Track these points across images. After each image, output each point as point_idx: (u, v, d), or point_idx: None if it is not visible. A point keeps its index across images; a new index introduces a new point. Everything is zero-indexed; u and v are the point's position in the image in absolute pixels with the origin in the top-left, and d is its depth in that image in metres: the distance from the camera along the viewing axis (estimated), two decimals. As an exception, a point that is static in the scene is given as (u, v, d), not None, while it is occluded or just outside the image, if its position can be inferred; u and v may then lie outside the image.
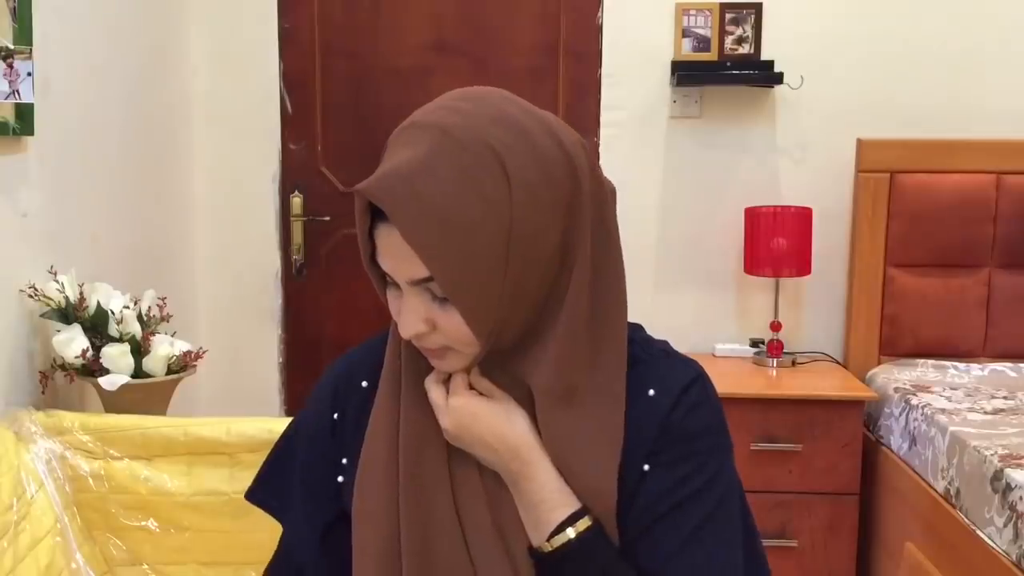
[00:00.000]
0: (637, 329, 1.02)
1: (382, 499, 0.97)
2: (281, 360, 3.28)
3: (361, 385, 1.04)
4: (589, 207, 0.91)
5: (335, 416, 1.04)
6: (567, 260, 0.91)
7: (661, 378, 0.98)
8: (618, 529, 0.94)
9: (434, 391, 0.96)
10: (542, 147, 0.88)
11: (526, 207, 0.86)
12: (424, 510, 0.95)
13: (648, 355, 1.00)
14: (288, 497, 1.06)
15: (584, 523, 0.93)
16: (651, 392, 0.97)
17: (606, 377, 0.95)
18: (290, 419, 1.14)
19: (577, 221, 0.90)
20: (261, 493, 1.11)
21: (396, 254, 0.88)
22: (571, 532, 0.92)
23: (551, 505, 0.93)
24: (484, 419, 0.94)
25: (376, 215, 0.89)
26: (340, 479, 1.02)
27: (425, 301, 0.90)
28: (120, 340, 2.06)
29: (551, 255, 0.90)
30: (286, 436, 1.10)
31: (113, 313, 2.07)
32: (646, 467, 0.95)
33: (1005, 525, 2.01)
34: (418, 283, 0.89)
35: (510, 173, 0.85)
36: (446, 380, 0.97)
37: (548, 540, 0.93)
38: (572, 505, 0.93)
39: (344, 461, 1.02)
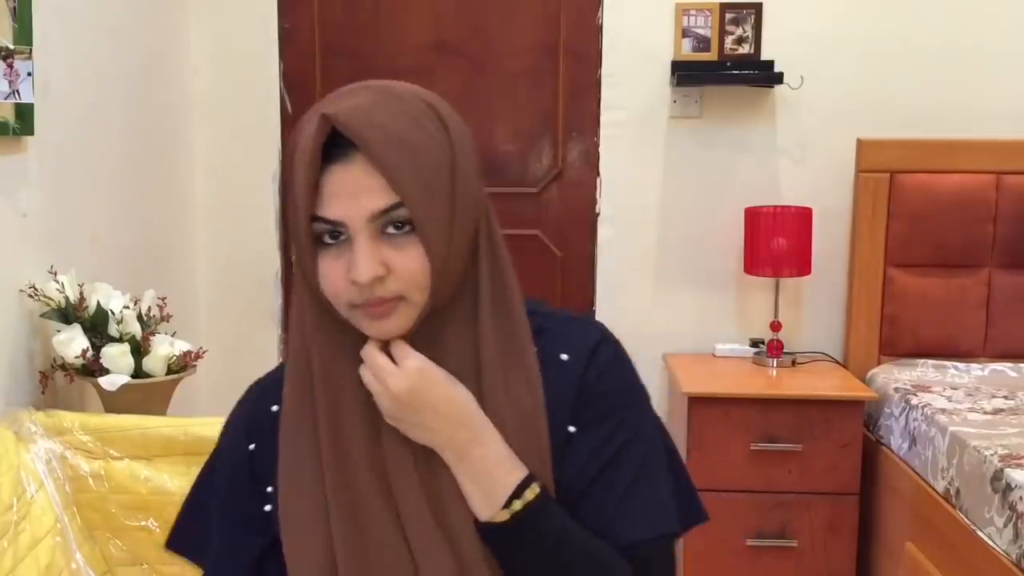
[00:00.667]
0: (539, 303, 1.04)
1: (310, 511, 0.95)
2: (281, 360, 3.27)
3: (271, 410, 1.02)
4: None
5: (251, 447, 1.03)
6: (480, 226, 0.95)
7: (569, 342, 1.01)
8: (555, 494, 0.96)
9: (379, 357, 0.93)
10: (456, 113, 0.96)
11: (461, 149, 0.93)
12: (357, 509, 0.94)
13: (553, 323, 1.02)
14: (207, 541, 1.04)
15: (534, 488, 0.93)
16: (563, 356, 0.99)
17: (518, 348, 0.97)
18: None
19: (484, 192, 0.96)
20: (179, 541, 1.09)
21: (353, 191, 0.89)
22: (529, 495, 0.93)
23: (505, 470, 0.93)
24: (438, 383, 0.93)
25: (328, 159, 0.89)
26: (267, 508, 1.00)
27: (378, 244, 0.90)
28: (120, 340, 2.06)
29: (477, 207, 0.95)
30: (200, 480, 1.09)
31: (113, 313, 2.07)
32: (572, 429, 0.98)
33: (1005, 525, 2.01)
34: (378, 216, 0.89)
35: (444, 118, 0.93)
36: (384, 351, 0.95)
37: (506, 507, 0.92)
38: (523, 470, 0.94)
39: (269, 490, 1.00)
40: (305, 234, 0.91)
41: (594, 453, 0.97)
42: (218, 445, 1.08)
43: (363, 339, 0.95)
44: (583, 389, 0.98)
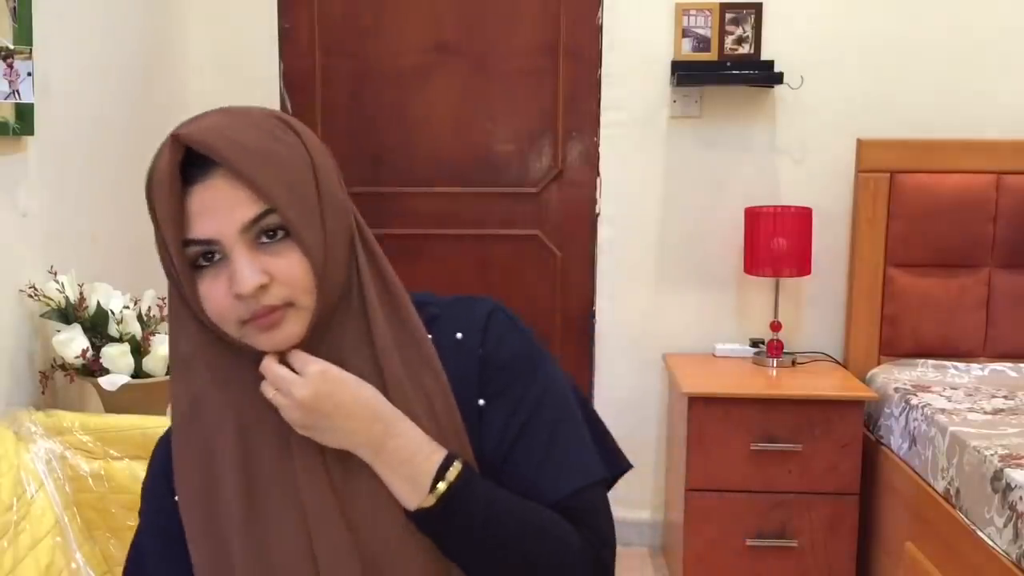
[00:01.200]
0: (427, 294, 1.05)
1: (213, 541, 0.95)
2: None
3: None
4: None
5: (176, 498, 0.99)
6: (352, 229, 0.96)
7: (460, 321, 1.02)
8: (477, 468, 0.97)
9: (279, 368, 0.92)
10: (303, 125, 0.96)
11: (318, 154, 0.93)
12: (267, 533, 0.93)
13: (442, 308, 1.04)
14: None
15: (456, 466, 0.94)
16: (458, 336, 1.01)
17: (412, 337, 0.98)
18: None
19: (347, 195, 0.97)
20: None
21: (222, 205, 0.88)
22: (451, 474, 0.93)
23: (425, 454, 0.93)
24: (343, 383, 0.92)
25: (186, 182, 0.89)
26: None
27: (255, 254, 0.89)
28: (120, 340, 2.06)
29: (345, 208, 0.95)
30: (132, 558, 1.07)
31: (113, 313, 2.07)
32: (481, 402, 0.99)
33: (1005, 525, 2.01)
34: (250, 226, 0.88)
35: (297, 130, 0.94)
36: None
37: (432, 493, 0.92)
38: (442, 451, 0.94)
39: None
40: (179, 261, 0.90)
41: (507, 421, 0.98)
42: (142, 512, 1.06)
43: (257, 359, 0.94)
44: (484, 361, 1.00)
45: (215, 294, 0.90)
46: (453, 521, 0.93)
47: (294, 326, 0.92)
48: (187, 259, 0.90)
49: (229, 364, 0.95)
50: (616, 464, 1.05)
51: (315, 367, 0.92)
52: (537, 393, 1.00)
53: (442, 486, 0.92)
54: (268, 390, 0.93)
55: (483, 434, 0.98)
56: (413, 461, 0.93)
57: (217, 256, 0.90)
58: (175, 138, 0.89)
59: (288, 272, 0.90)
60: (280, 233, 0.90)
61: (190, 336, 0.95)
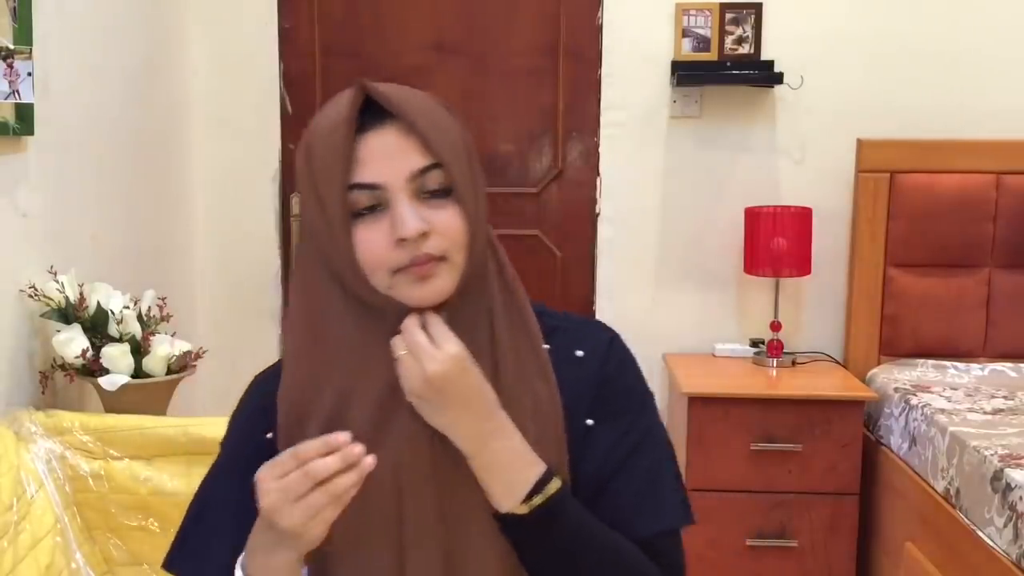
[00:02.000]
0: (542, 304, 1.05)
1: None
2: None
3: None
4: None
5: (269, 436, 0.98)
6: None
7: (583, 340, 1.03)
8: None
9: (420, 334, 0.91)
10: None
11: (469, 136, 0.98)
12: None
13: (561, 322, 1.05)
14: (210, 559, 0.99)
15: (556, 482, 0.94)
16: (578, 353, 1.02)
17: (530, 344, 0.99)
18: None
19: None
20: (179, 560, 1.03)
21: (391, 155, 0.91)
22: (550, 488, 0.93)
23: (525, 462, 0.94)
24: (472, 374, 0.92)
25: (357, 130, 0.91)
26: None
27: (418, 204, 0.92)
28: (120, 340, 2.06)
29: (485, 201, 0.97)
30: (202, 493, 1.04)
31: (113, 313, 2.07)
32: (589, 422, 0.99)
33: (1005, 525, 2.01)
34: (417, 176, 0.91)
35: (453, 112, 0.98)
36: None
37: (526, 501, 0.93)
38: (542, 465, 0.94)
39: None
40: (340, 206, 0.91)
41: (614, 446, 0.99)
42: (225, 445, 1.05)
43: (389, 325, 0.93)
44: (603, 382, 1.01)
45: (373, 241, 0.92)
46: (541, 533, 0.94)
47: (446, 281, 0.93)
48: (347, 205, 0.92)
49: (362, 326, 0.94)
50: (690, 516, 1.06)
51: (453, 347, 0.91)
52: (646, 427, 1.02)
53: (539, 499, 0.93)
54: (399, 348, 0.92)
55: (585, 455, 0.98)
56: (514, 467, 0.93)
57: (378, 207, 0.92)
58: (361, 85, 0.92)
59: (447, 224, 0.92)
60: (440, 192, 0.93)
61: (320, 291, 0.96)
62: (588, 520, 0.96)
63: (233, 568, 0.94)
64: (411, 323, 0.92)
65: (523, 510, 0.93)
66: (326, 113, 0.94)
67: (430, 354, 0.91)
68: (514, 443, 0.94)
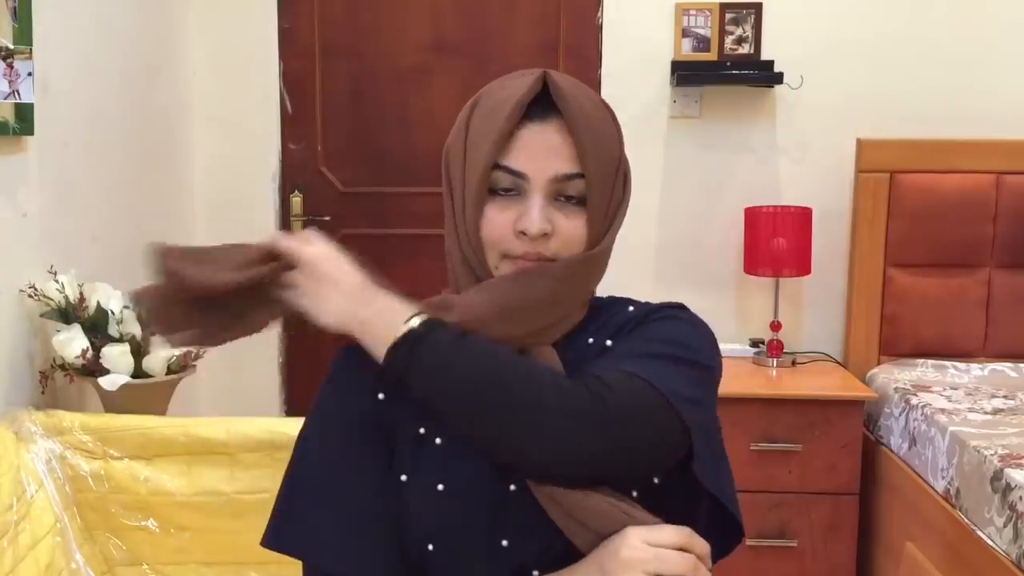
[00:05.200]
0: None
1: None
2: (281, 360, 3.28)
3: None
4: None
5: (381, 396, 0.98)
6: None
7: (643, 304, 1.06)
8: None
9: (285, 238, 0.99)
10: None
11: (625, 159, 1.03)
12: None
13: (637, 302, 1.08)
14: (312, 531, 0.96)
15: (427, 314, 0.93)
16: (630, 308, 1.05)
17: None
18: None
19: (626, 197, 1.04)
20: (278, 536, 0.98)
21: (544, 152, 0.95)
22: (417, 320, 0.92)
23: (396, 312, 0.94)
24: (342, 259, 0.98)
25: (525, 116, 0.95)
26: (420, 445, 0.97)
27: (550, 205, 0.96)
28: (120, 340, 2.06)
29: (624, 195, 1.02)
30: (296, 463, 1.00)
31: (113, 313, 2.07)
32: (608, 342, 1.00)
33: (1005, 525, 2.01)
34: (558, 181, 0.95)
35: (617, 122, 1.02)
36: None
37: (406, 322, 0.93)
38: (413, 310, 0.94)
39: (422, 431, 0.97)
40: (482, 180, 0.96)
41: (632, 348, 0.98)
42: (322, 406, 1.02)
43: None
44: (632, 319, 1.02)
45: (500, 222, 0.97)
46: (420, 358, 0.91)
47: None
48: (488, 181, 0.96)
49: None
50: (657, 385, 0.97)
51: (321, 245, 0.98)
52: (664, 341, 0.98)
53: (412, 324, 0.92)
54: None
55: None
56: (393, 320, 0.93)
57: (513, 192, 0.97)
58: (546, 74, 0.96)
59: (570, 233, 0.97)
60: (575, 200, 0.97)
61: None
62: (476, 339, 0.92)
63: (337, 540, 0.95)
64: (279, 236, 0.99)
65: (393, 338, 0.92)
66: (506, 84, 0.99)
67: (305, 241, 0.99)
68: (391, 301, 0.95)
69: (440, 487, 0.95)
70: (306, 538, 0.96)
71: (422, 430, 0.97)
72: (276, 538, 0.98)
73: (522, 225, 0.95)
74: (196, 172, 3.17)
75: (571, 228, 0.96)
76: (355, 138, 3.24)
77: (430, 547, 0.95)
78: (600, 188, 0.97)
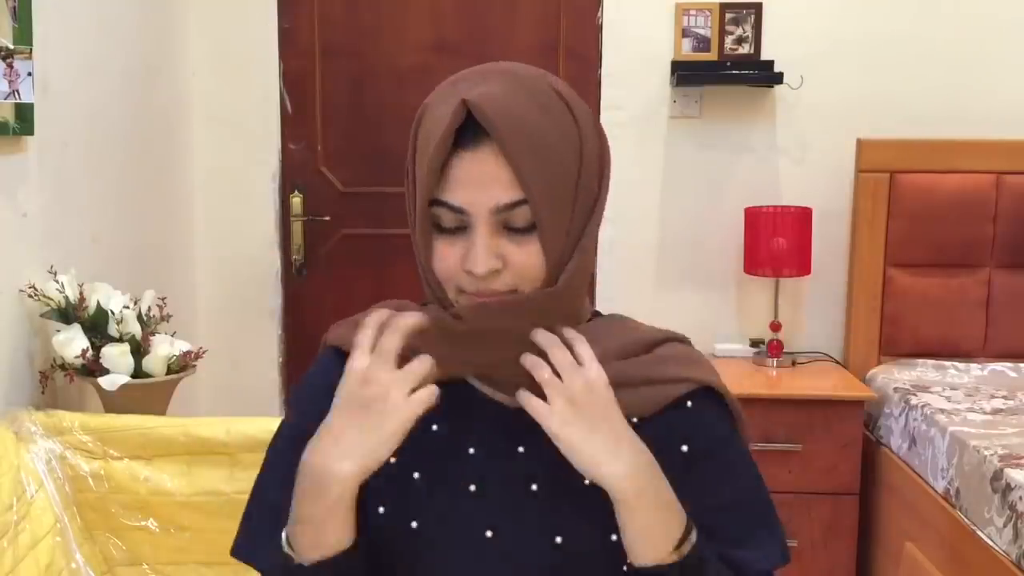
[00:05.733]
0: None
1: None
2: (281, 360, 3.28)
3: None
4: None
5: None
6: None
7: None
8: None
9: (562, 351, 0.88)
10: (582, 103, 0.94)
11: (589, 142, 0.91)
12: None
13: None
14: (274, 537, 0.92)
15: (695, 528, 0.91)
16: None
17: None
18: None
19: (606, 190, 0.95)
20: (243, 545, 0.99)
21: (482, 181, 0.86)
22: (695, 535, 0.89)
23: (678, 506, 0.90)
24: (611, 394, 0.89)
25: (457, 144, 0.87)
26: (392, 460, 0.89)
27: (496, 237, 0.88)
28: (120, 340, 2.06)
29: (594, 207, 0.93)
30: (266, 466, 0.99)
31: (113, 313, 2.07)
32: (684, 448, 1.00)
33: (1005, 525, 2.01)
34: (501, 210, 0.87)
35: (572, 108, 0.91)
36: None
37: (677, 548, 0.88)
38: (679, 506, 0.91)
39: (392, 460, 0.90)
40: (422, 216, 0.89)
41: (719, 481, 1.02)
42: (296, 407, 1.00)
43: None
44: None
45: (448, 259, 0.90)
46: None
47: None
48: (430, 217, 0.89)
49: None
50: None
51: (599, 369, 0.88)
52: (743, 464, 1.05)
53: (687, 546, 0.88)
54: (543, 372, 0.87)
55: (686, 482, 0.95)
56: (670, 509, 0.88)
57: (459, 227, 0.89)
58: (464, 103, 0.86)
59: (523, 263, 0.89)
60: (525, 225, 0.88)
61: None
62: (718, 567, 0.94)
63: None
64: (548, 339, 0.89)
65: (672, 558, 0.87)
66: (425, 118, 0.90)
67: (574, 368, 0.87)
68: (667, 483, 0.89)
69: (414, 524, 0.93)
70: (266, 552, 0.94)
71: (392, 459, 0.89)
72: (239, 550, 0.99)
73: (467, 265, 0.88)
74: (196, 172, 3.17)
75: (523, 258, 0.88)
76: (355, 138, 3.24)
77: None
78: (551, 210, 0.87)
